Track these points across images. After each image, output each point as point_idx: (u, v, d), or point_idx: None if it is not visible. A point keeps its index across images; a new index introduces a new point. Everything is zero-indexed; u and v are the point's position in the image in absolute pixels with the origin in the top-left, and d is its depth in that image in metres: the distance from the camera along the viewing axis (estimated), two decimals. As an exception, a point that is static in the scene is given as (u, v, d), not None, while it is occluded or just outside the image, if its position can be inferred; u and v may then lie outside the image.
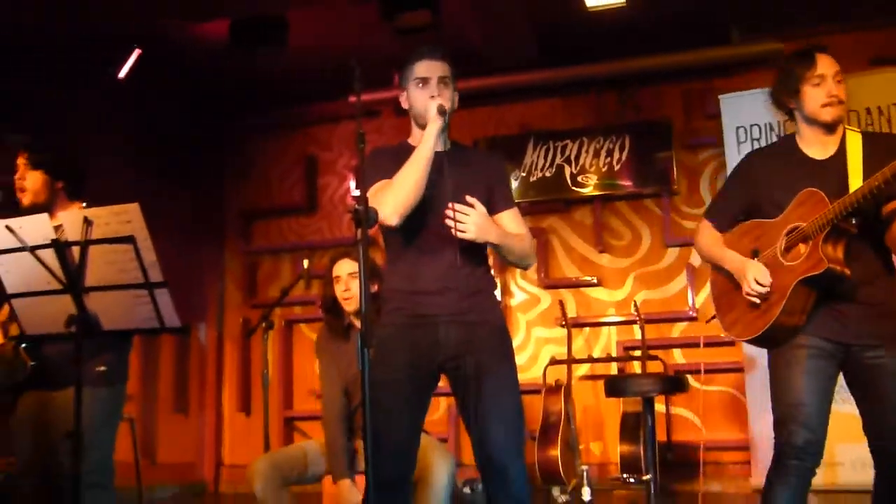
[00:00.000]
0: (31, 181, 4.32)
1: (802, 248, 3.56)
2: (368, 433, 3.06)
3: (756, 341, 3.79)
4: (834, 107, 3.64)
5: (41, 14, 6.07)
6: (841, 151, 3.67)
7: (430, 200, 3.46)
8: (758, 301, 3.66)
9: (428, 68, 3.56)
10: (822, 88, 3.67)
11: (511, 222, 3.60)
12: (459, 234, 3.32)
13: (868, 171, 3.47)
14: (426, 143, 3.41)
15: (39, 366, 4.32)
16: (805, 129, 3.77)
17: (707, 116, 7.34)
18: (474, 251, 3.54)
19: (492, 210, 3.54)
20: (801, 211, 3.60)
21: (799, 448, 3.56)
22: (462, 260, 3.48)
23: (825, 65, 3.67)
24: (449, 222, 3.33)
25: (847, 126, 3.73)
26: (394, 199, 3.31)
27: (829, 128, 3.70)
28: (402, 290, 3.55)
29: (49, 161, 4.37)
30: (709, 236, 3.96)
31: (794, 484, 3.58)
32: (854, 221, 3.48)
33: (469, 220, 3.33)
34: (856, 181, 3.50)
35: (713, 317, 4.03)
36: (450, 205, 3.33)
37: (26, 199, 4.31)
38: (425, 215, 3.47)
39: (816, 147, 3.74)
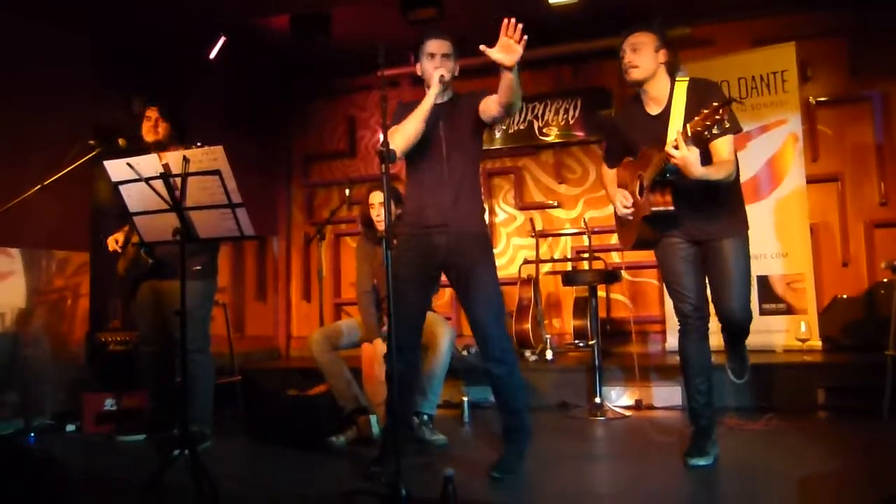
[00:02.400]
0: (161, 127, 4.44)
1: (645, 192, 3.55)
2: (391, 311, 3.06)
3: (634, 248, 3.88)
4: (627, 72, 3.55)
5: (156, 12, 6.01)
6: (668, 106, 3.51)
7: (429, 143, 3.45)
8: (630, 217, 3.70)
9: (435, 46, 3.54)
10: (623, 60, 3.56)
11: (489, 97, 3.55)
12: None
13: (687, 118, 3.31)
14: (426, 101, 3.43)
15: (155, 263, 4.36)
16: (641, 91, 3.64)
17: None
18: (462, 179, 3.52)
19: (478, 109, 3.55)
20: (641, 162, 3.57)
21: (688, 314, 3.65)
22: (454, 184, 3.46)
23: (627, 42, 3.56)
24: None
25: (679, 78, 3.53)
26: (401, 138, 3.33)
27: (642, 87, 3.58)
28: (411, 207, 3.56)
29: (173, 116, 4.47)
30: (605, 175, 3.97)
31: (693, 337, 3.66)
32: (668, 176, 3.41)
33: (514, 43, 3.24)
34: (672, 134, 3.34)
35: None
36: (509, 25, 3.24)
37: (152, 138, 4.43)
38: (426, 153, 3.46)
39: (650, 104, 3.62)
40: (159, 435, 4.56)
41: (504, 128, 7.57)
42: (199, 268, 4.39)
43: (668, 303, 6.35)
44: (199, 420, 4.37)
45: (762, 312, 6.00)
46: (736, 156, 3.47)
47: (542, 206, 7.60)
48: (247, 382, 5.73)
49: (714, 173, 3.32)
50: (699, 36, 6.90)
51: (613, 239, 7.28)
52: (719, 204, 3.54)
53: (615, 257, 7.27)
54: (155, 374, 4.67)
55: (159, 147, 4.30)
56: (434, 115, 3.45)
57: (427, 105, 3.43)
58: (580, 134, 7.43)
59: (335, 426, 4.38)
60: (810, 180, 6.24)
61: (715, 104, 3.03)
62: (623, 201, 3.69)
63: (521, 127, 7.59)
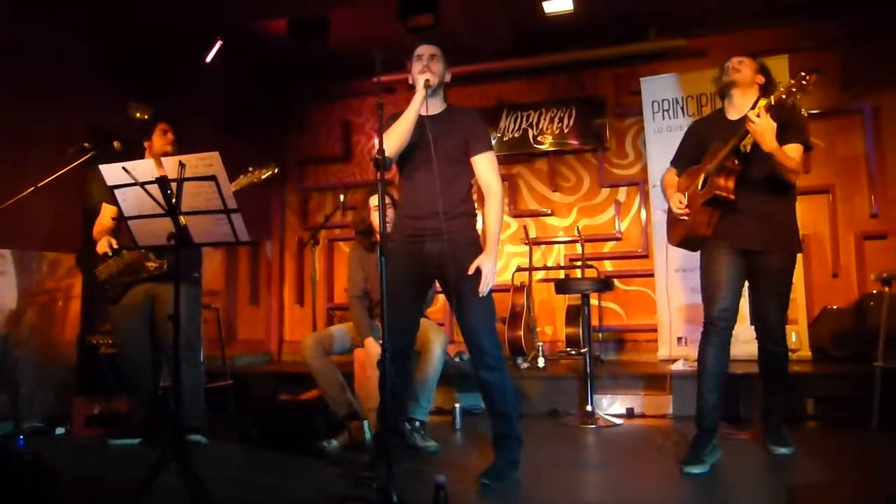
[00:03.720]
0: (176, 146, 4.55)
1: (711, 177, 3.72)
2: (384, 318, 3.06)
3: (680, 245, 3.98)
4: (728, 73, 3.83)
5: (153, 14, 6.02)
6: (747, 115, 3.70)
7: (423, 151, 3.44)
8: (684, 217, 3.82)
9: (422, 49, 3.56)
10: (728, 64, 3.82)
11: (484, 165, 3.53)
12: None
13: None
14: (412, 106, 3.44)
15: (168, 266, 4.35)
16: (726, 101, 3.91)
17: (631, 93, 7.23)
18: (455, 188, 3.51)
19: (469, 154, 3.53)
20: (708, 157, 3.79)
21: (716, 316, 3.72)
22: (446, 192, 3.47)
23: (730, 59, 3.86)
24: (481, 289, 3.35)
25: (763, 97, 3.75)
26: (388, 145, 3.30)
27: (734, 91, 3.83)
28: (404, 214, 3.59)
29: (182, 136, 4.62)
30: (668, 178, 4.10)
31: (715, 342, 3.73)
32: (737, 162, 3.64)
33: (486, 283, 3.35)
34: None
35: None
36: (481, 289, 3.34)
37: (170, 150, 4.51)
38: (420, 161, 3.47)
39: (732, 112, 3.86)
40: (153, 439, 4.54)
41: (499, 135, 7.58)
42: (197, 275, 4.52)
43: (661, 312, 6.39)
44: (195, 418, 4.47)
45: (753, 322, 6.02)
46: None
47: (535, 214, 7.60)
48: (239, 387, 5.71)
49: (783, 156, 3.52)
50: (693, 47, 6.92)
51: (606, 247, 7.32)
52: (776, 215, 3.72)
53: (608, 266, 7.29)
54: (139, 380, 4.64)
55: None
56: (427, 125, 3.43)
57: (413, 109, 3.43)
58: (574, 142, 7.44)
59: (327, 431, 4.37)
60: (801, 192, 6.17)
61: (802, 72, 3.38)
62: (680, 201, 3.83)
63: (516, 135, 7.59)
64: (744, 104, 3.80)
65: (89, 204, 5.74)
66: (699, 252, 3.90)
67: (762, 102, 3.66)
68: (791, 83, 3.40)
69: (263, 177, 4.05)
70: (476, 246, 3.57)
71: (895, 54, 6.34)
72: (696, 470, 3.53)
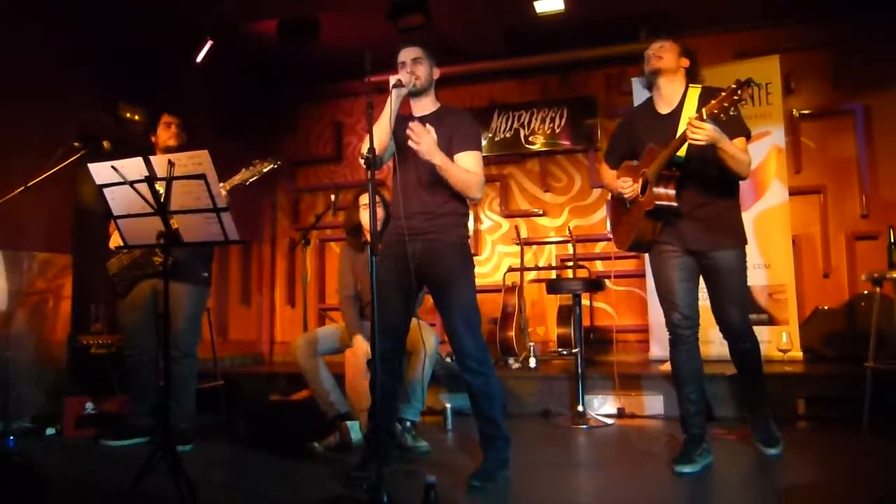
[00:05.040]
0: (182, 136, 4.62)
1: (649, 186, 3.61)
2: (374, 317, 3.05)
3: (631, 249, 3.87)
4: (649, 62, 3.68)
5: (143, 17, 6.02)
6: (679, 108, 3.62)
7: (410, 151, 3.43)
8: (628, 196, 3.73)
9: (404, 54, 3.57)
10: (648, 53, 3.70)
11: (465, 161, 3.48)
12: (413, 147, 3.31)
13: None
14: (386, 105, 3.44)
15: (175, 262, 4.28)
16: (654, 92, 3.76)
17: (622, 93, 7.26)
18: (442, 187, 3.49)
19: (453, 151, 3.48)
20: (645, 160, 3.66)
21: (677, 324, 3.68)
22: (430, 193, 3.44)
23: (652, 46, 3.72)
24: (410, 139, 3.31)
25: (691, 84, 3.65)
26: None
27: (660, 80, 3.68)
28: (395, 214, 3.57)
29: (187, 128, 4.67)
30: (605, 172, 4.02)
31: (683, 348, 3.68)
32: (674, 169, 3.51)
33: (423, 139, 3.29)
34: (683, 126, 3.44)
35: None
36: (410, 124, 3.32)
37: (175, 143, 4.57)
38: (408, 161, 3.46)
39: (662, 104, 3.72)
40: (151, 439, 4.53)
41: (490, 135, 7.59)
42: (206, 274, 4.56)
43: (652, 312, 6.40)
44: (188, 420, 4.46)
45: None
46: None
47: (527, 215, 7.61)
48: (230, 387, 5.68)
49: (737, 151, 3.42)
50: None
51: (598, 248, 7.32)
52: (719, 214, 3.61)
53: (599, 266, 7.29)
54: (143, 378, 4.62)
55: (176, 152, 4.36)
56: (418, 124, 3.42)
57: (387, 108, 3.43)
58: (566, 143, 7.46)
59: (318, 432, 4.36)
60: (793, 192, 6.28)
61: (733, 86, 3.19)
62: (625, 185, 3.72)
63: (507, 135, 7.61)
64: (672, 94, 3.67)
65: (80, 204, 5.72)
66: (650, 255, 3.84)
67: (693, 93, 3.58)
68: (722, 97, 3.24)
69: (265, 170, 4.16)
70: (461, 247, 3.55)
71: (887, 54, 6.38)
72: (686, 469, 3.54)
